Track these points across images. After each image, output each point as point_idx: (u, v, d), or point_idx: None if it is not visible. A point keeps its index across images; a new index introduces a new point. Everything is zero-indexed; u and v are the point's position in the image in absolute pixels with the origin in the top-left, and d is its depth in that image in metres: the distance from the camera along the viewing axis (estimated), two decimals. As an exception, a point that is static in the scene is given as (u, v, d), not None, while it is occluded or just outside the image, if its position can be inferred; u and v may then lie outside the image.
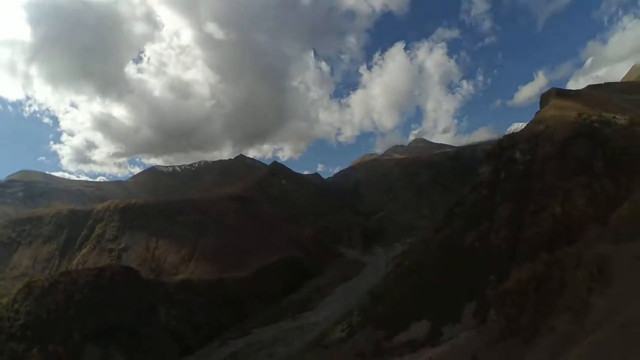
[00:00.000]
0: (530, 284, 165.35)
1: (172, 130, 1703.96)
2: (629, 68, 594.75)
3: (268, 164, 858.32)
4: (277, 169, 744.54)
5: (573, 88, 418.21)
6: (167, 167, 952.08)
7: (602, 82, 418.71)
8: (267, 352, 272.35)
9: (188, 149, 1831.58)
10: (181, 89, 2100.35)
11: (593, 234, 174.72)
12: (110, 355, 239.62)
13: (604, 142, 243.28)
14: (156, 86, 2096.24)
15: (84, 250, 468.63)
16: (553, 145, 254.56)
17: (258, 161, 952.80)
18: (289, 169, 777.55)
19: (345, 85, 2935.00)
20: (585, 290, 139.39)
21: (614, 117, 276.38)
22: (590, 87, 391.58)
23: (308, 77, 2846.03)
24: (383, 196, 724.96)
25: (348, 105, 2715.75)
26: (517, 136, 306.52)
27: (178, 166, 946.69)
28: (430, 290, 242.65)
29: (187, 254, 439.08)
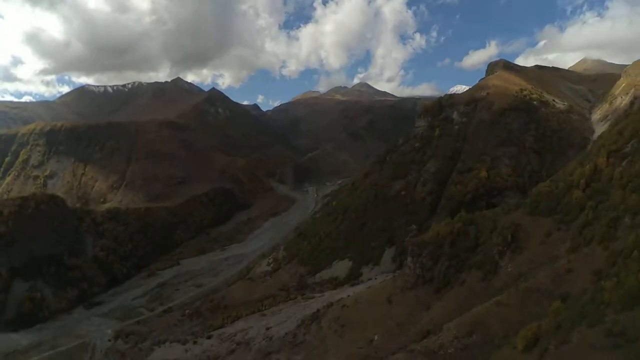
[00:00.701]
0: (447, 239, 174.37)
1: (106, 46, 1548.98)
2: (579, 59, 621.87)
3: (206, 90, 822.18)
4: (214, 97, 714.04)
5: (521, 64, 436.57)
6: (98, 86, 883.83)
7: (550, 66, 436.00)
8: (195, 282, 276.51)
9: (122, 68, 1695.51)
10: (119, 1, 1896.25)
11: (512, 202, 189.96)
12: (37, 289, 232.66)
13: (539, 120, 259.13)
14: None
15: (8, 178, 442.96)
16: (490, 113, 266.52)
17: (196, 86, 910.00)
18: (227, 97, 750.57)
19: (296, 17, 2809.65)
20: (497, 254, 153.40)
21: (554, 100, 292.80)
22: (537, 67, 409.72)
23: (259, 2, 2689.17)
24: (320, 135, 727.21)
25: (297, 39, 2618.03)
26: (457, 98, 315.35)
27: (110, 86, 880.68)
28: (354, 232, 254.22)
29: (115, 182, 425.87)
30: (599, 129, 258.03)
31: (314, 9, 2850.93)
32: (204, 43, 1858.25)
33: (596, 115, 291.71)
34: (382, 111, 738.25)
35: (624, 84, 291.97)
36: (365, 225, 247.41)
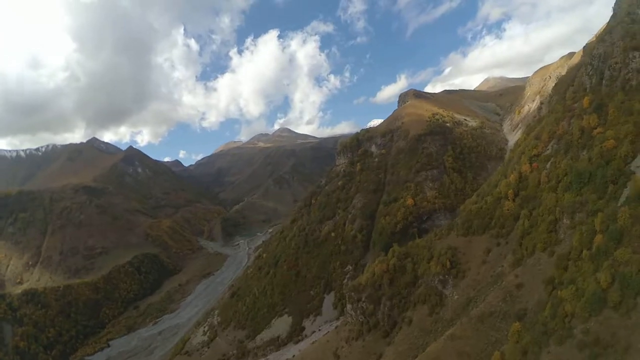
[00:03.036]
0: (384, 277, 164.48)
1: (18, 105, 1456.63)
2: (483, 80, 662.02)
3: (124, 149, 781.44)
4: (133, 155, 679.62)
5: (431, 91, 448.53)
6: (10, 151, 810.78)
7: (457, 89, 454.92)
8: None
9: (35, 129, 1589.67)
10: (31, 56, 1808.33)
11: (444, 226, 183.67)
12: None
13: (454, 140, 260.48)
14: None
15: None
16: (407, 141, 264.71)
17: (113, 146, 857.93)
18: (146, 155, 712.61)
19: (213, 68, 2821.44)
20: (439, 283, 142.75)
21: (466, 119, 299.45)
22: (446, 91, 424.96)
23: (175, 54, 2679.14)
24: (245, 185, 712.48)
25: (214, 89, 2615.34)
26: (374, 131, 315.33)
27: (23, 150, 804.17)
28: (289, 284, 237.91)
29: (31, 258, 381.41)
30: (512, 138, 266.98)
31: (230, 58, 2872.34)
32: (119, 99, 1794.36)
33: (507, 126, 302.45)
34: (304, 154, 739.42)
35: (529, 93, 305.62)
36: (299, 275, 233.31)
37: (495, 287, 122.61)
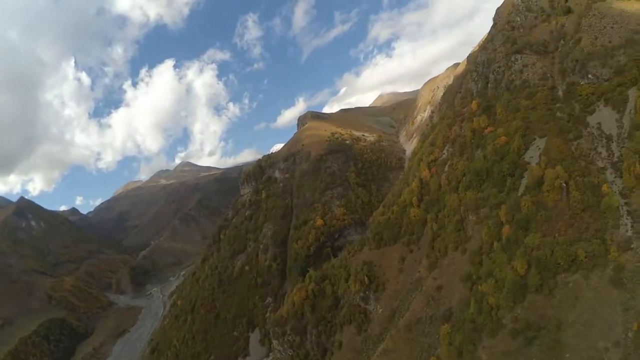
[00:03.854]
0: (305, 305, 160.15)
1: None
2: (376, 96, 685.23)
3: (15, 200, 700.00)
4: (25, 207, 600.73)
5: (328, 112, 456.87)
6: None
7: (354, 107, 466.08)
8: None
9: None
10: None
11: (356, 241, 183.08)
12: None
13: (355, 156, 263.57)
14: None
15: None
16: (309, 162, 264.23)
17: (2, 198, 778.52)
18: (39, 206, 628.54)
19: (106, 103, 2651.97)
20: (361, 300, 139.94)
21: (364, 135, 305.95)
22: (342, 110, 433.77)
23: (65, 90, 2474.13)
24: (150, 227, 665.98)
25: (109, 126, 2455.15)
26: (276, 156, 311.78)
27: None
28: (210, 329, 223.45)
29: None
30: (409, 147, 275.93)
31: (124, 91, 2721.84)
32: (5, 143, 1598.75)
33: (403, 137, 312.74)
34: (209, 187, 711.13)
35: (420, 104, 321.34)
36: (219, 317, 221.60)
37: (417, 293, 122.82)
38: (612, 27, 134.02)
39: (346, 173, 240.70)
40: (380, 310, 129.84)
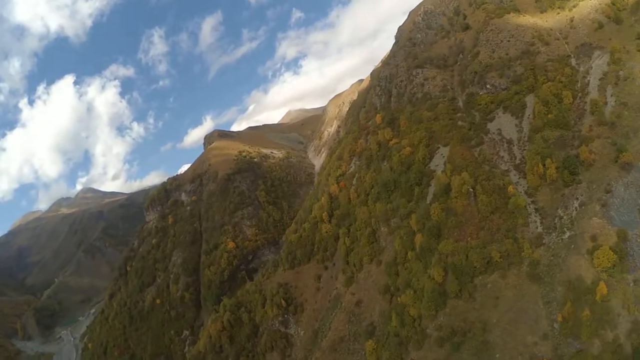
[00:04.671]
0: (222, 337, 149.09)
1: None
2: (285, 113, 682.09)
3: None
4: None
5: (237, 130, 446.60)
6: None
7: (261, 124, 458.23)
8: None
9: None
10: None
11: (270, 263, 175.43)
12: None
13: (264, 174, 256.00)
14: None
15: None
16: (217, 182, 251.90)
17: None
18: None
19: (0, 123, 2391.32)
20: (281, 325, 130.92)
21: (272, 152, 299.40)
22: (250, 128, 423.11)
23: None
24: (53, 262, 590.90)
25: (3, 150, 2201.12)
26: (181, 178, 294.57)
27: None
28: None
29: None
30: (318, 162, 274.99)
31: (20, 110, 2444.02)
32: None
33: (312, 152, 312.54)
34: (114, 214, 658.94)
35: (327, 119, 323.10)
36: (134, 357, 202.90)
37: (337, 311, 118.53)
38: (508, 41, 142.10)
39: (255, 192, 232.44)
40: (302, 333, 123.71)
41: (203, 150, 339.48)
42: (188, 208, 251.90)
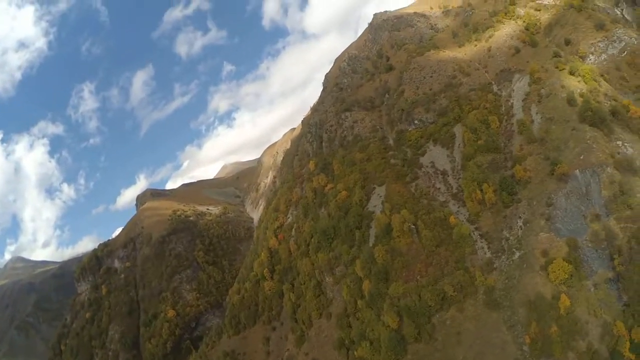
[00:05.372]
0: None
1: None
2: (220, 167, 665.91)
3: None
4: None
5: (172, 187, 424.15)
6: None
7: (196, 180, 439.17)
8: None
9: None
10: None
11: (213, 330, 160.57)
12: None
13: (201, 232, 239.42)
14: None
15: None
16: (151, 245, 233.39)
17: None
18: None
19: None
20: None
21: (208, 209, 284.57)
22: (184, 185, 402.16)
23: None
24: None
25: None
26: (113, 243, 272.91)
27: None
28: None
29: None
30: (256, 215, 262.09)
31: None
32: None
33: (249, 205, 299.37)
34: (46, 285, 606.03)
35: (262, 170, 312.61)
36: None
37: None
38: (431, 76, 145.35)
39: (193, 252, 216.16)
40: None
41: (136, 212, 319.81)
42: (122, 276, 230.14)
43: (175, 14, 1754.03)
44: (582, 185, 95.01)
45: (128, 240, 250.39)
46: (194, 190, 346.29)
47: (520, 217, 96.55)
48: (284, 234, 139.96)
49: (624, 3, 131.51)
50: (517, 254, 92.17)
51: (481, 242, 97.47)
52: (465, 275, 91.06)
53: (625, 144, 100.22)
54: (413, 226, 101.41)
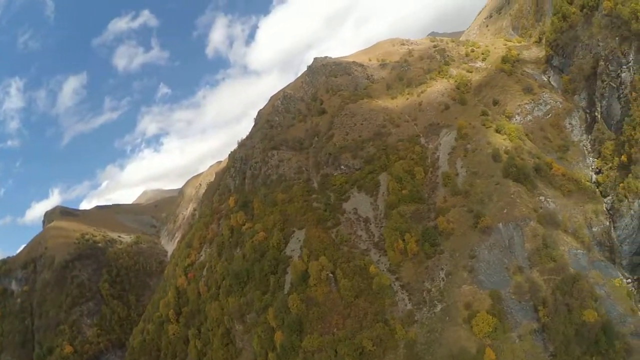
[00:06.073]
0: None
1: None
2: (141, 192, 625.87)
3: None
4: None
5: (85, 208, 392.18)
6: None
7: (112, 204, 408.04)
8: None
9: None
10: None
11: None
12: None
13: (109, 261, 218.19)
14: None
15: None
16: (53, 270, 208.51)
17: None
18: None
19: None
20: None
21: (120, 237, 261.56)
22: (98, 207, 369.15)
23: None
24: None
25: None
26: (12, 262, 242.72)
27: None
28: None
29: None
30: (170, 248, 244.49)
31: None
32: None
33: (165, 237, 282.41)
34: None
35: (183, 201, 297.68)
36: None
37: None
38: (362, 124, 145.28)
39: (98, 283, 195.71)
40: None
41: (42, 229, 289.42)
42: (18, 300, 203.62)
43: (120, 24, 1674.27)
44: (505, 238, 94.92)
45: (29, 260, 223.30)
46: (108, 214, 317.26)
47: (442, 269, 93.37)
48: (195, 273, 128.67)
49: (551, 70, 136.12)
50: (439, 307, 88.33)
51: (402, 293, 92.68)
52: (385, 328, 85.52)
53: (548, 199, 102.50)
54: (331, 274, 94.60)
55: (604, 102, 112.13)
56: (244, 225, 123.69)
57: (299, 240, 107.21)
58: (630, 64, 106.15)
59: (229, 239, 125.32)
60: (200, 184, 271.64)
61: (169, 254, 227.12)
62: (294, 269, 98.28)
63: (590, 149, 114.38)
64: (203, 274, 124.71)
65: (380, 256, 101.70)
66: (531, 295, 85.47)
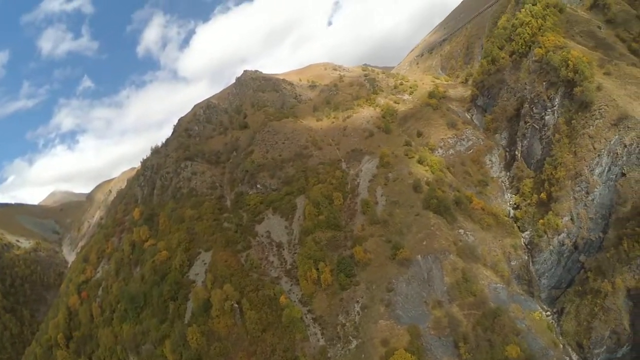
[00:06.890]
0: None
1: None
2: (49, 193, 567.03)
3: None
4: None
5: None
6: None
7: (14, 202, 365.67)
8: None
9: None
10: None
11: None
12: None
13: (4, 268, 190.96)
14: None
15: None
16: None
17: None
18: None
19: None
20: None
21: (18, 241, 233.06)
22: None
23: None
24: None
25: None
26: None
27: None
28: None
29: None
30: (71, 259, 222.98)
31: None
32: None
33: (67, 247, 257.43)
34: None
35: (90, 208, 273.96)
36: None
37: None
38: (283, 143, 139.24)
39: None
40: None
41: None
42: None
43: (53, 4, 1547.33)
44: (424, 271, 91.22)
45: None
46: (8, 214, 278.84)
47: (358, 302, 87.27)
48: (89, 292, 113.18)
49: (475, 109, 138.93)
50: (355, 343, 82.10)
51: (314, 327, 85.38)
52: (294, 366, 76.09)
53: (467, 232, 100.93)
54: (236, 305, 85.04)
55: (525, 141, 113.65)
56: (147, 241, 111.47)
57: (205, 263, 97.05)
58: (555, 107, 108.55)
59: (129, 256, 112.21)
60: (111, 191, 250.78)
61: (69, 266, 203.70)
62: (195, 296, 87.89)
63: (508, 185, 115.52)
64: (98, 293, 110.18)
65: (291, 285, 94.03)
66: (451, 330, 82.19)
